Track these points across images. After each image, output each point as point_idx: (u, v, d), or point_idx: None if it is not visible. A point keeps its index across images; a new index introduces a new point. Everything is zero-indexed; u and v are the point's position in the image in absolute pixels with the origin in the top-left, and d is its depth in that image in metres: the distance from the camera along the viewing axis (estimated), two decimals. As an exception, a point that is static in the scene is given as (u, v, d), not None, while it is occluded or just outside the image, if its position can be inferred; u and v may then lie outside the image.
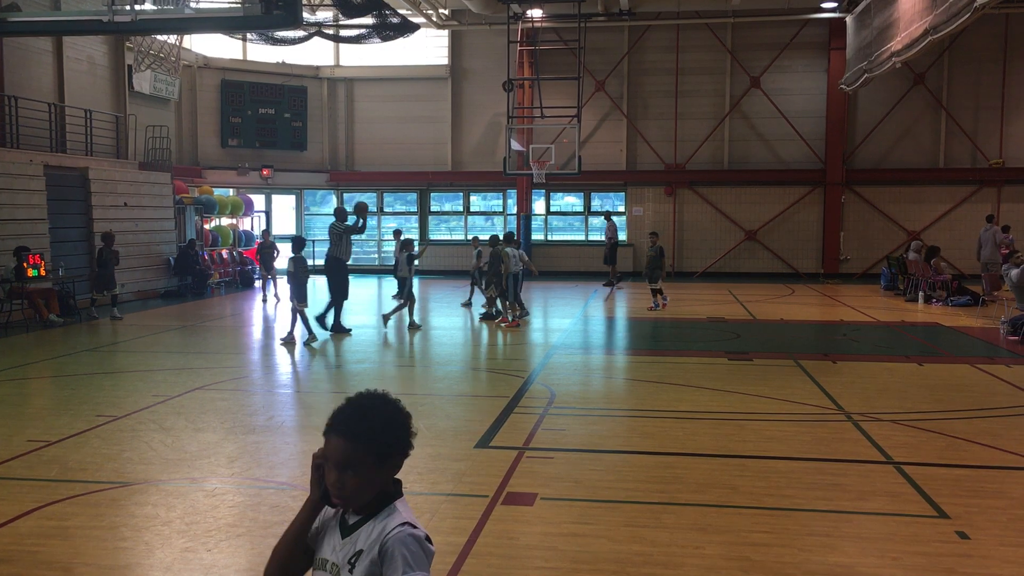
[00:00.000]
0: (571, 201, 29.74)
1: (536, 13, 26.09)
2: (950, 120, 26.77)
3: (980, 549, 5.43)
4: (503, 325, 16.19)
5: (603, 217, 27.16)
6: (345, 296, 15.16)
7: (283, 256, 19.97)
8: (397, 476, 2.39)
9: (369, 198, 30.27)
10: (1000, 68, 26.40)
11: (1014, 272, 14.64)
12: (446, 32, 28.16)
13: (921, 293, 20.03)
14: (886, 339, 14.97)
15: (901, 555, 5.34)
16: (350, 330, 15.09)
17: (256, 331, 16.57)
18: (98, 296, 17.09)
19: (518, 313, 16.78)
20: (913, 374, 11.48)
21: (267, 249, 21.44)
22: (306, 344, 13.75)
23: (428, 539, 2.32)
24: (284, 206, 29.80)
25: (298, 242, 14.36)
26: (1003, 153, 26.59)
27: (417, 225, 29.71)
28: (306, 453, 7.56)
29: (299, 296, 13.77)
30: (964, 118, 26.74)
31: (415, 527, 2.31)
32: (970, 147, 26.76)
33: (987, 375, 11.31)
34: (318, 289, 16.45)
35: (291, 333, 14.07)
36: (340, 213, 15.44)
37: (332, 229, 15.13)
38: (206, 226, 24.71)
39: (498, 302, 16.73)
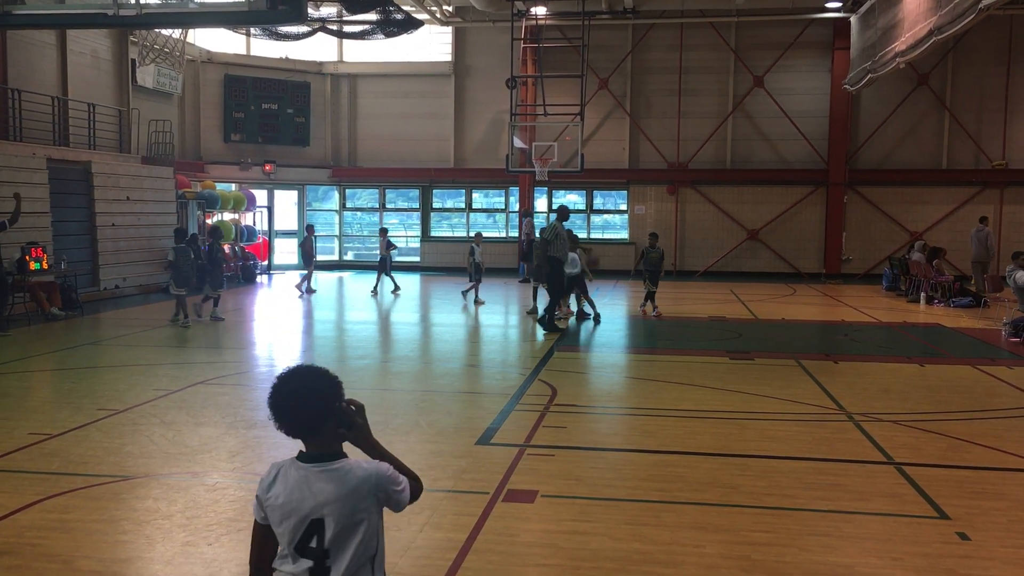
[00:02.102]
0: (573, 199, 29.71)
1: (540, 11, 26.07)
2: (953, 121, 26.74)
3: (981, 550, 5.44)
4: (653, 315, 17.09)
5: (523, 214, 27.04)
6: (560, 295, 15.01)
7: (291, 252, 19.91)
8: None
9: (371, 194, 30.32)
10: (1004, 70, 26.36)
11: (1020, 274, 14.61)
12: (450, 29, 28.14)
13: (923, 294, 20.02)
14: (888, 340, 14.97)
15: (902, 556, 5.34)
16: (563, 330, 14.86)
17: (257, 326, 16.56)
18: (213, 294, 15.99)
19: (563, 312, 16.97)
20: (914, 375, 11.48)
21: (308, 245, 21.90)
22: (176, 321, 15.30)
23: (260, 485, 2.78)
24: (286, 201, 29.80)
25: (180, 233, 16.04)
26: (1006, 155, 26.55)
27: (419, 222, 29.71)
28: (307, 448, 7.56)
29: (180, 282, 15.31)
30: (967, 119, 26.71)
31: None
32: (973, 148, 26.72)
33: (988, 376, 11.31)
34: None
35: (187, 315, 15.38)
36: (563, 212, 15.36)
37: (552, 230, 14.91)
38: (208, 221, 24.70)
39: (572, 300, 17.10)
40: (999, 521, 5.96)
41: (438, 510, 5.95)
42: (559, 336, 14.49)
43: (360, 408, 2.81)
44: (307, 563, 2.67)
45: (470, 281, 19.68)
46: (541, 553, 5.34)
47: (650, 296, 17.39)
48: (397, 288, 21.71)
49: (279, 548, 2.74)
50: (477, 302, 19.31)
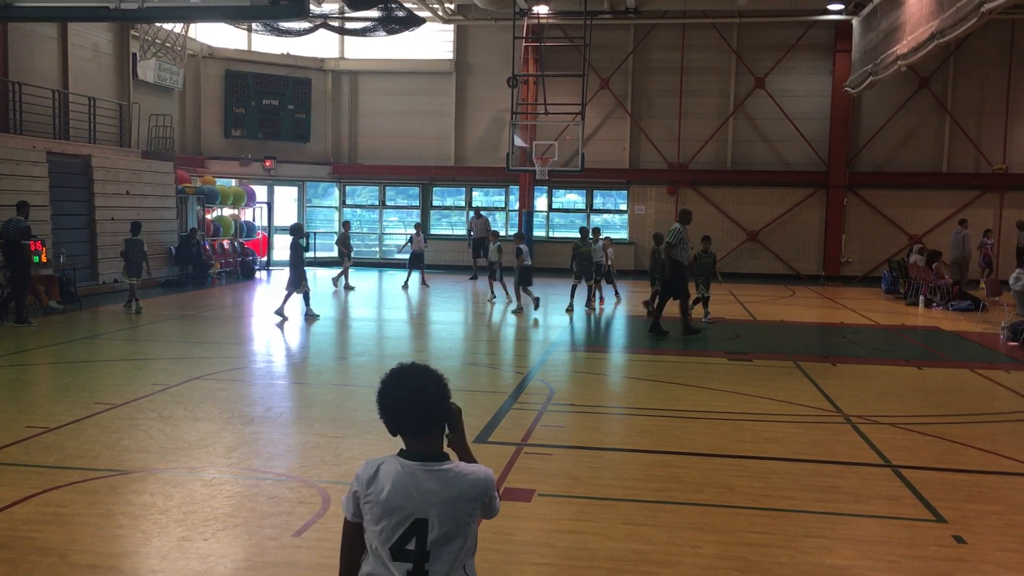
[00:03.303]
0: (573, 198, 29.72)
1: (542, 9, 26.04)
2: (954, 125, 26.73)
3: (977, 553, 5.44)
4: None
5: (474, 213, 26.86)
6: (669, 296, 14.93)
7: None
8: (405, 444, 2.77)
9: (371, 191, 30.31)
10: (1005, 74, 26.35)
11: None
12: (451, 27, 28.12)
13: (922, 297, 20.04)
14: (886, 342, 14.97)
15: (898, 558, 5.34)
16: (667, 332, 14.64)
17: (256, 321, 16.55)
18: (296, 291, 15.66)
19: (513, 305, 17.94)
20: (912, 378, 11.48)
21: (347, 240, 22.25)
22: (136, 311, 16.26)
23: (358, 480, 2.72)
24: (286, 197, 29.79)
25: (134, 226, 16.86)
26: (1006, 159, 26.55)
27: (419, 219, 29.68)
28: (304, 445, 7.56)
29: (131, 272, 16.51)
30: (968, 123, 26.70)
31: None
32: (973, 152, 26.72)
33: (986, 380, 11.31)
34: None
35: (138, 301, 16.54)
36: (687, 216, 15.37)
37: (676, 234, 14.89)
38: (208, 216, 24.70)
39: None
40: (995, 524, 5.96)
41: (435, 508, 5.94)
42: (695, 335, 14.45)
43: (459, 411, 2.81)
44: (405, 567, 2.62)
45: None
46: (538, 552, 5.34)
47: (704, 301, 16.88)
48: (407, 285, 22.15)
49: (370, 550, 2.69)
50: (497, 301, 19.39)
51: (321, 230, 30.32)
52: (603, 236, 19.75)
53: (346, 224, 23.03)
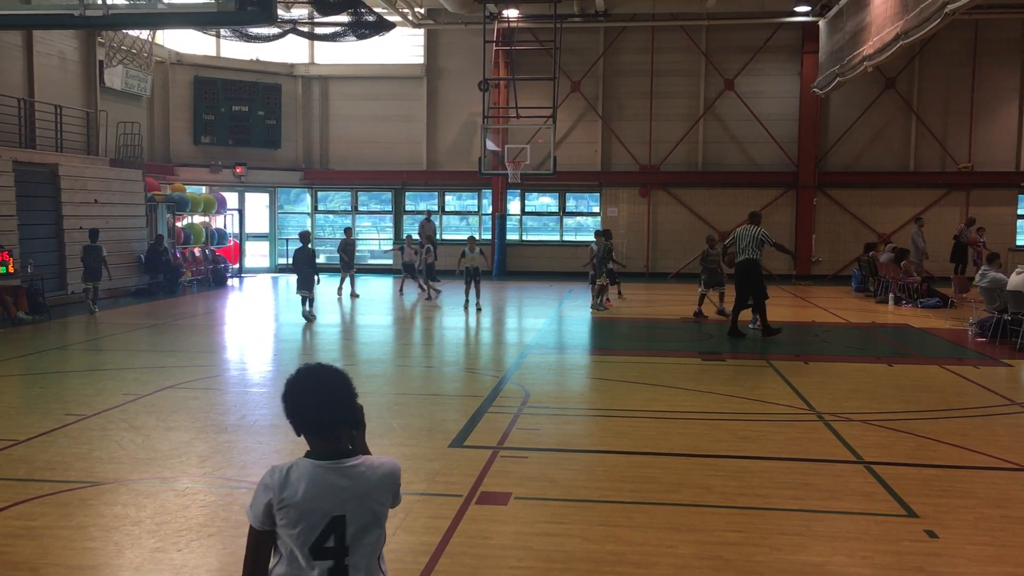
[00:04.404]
0: (546, 201, 29.76)
1: (512, 13, 26.09)
2: (920, 124, 27.08)
3: (948, 548, 5.50)
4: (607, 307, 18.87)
5: (425, 216, 26.49)
6: (764, 297, 14.99)
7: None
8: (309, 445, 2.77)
9: (343, 197, 30.19)
10: (970, 73, 26.75)
11: (993, 275, 14.67)
12: (422, 31, 28.08)
13: (891, 295, 20.27)
14: (857, 340, 15.12)
15: (871, 554, 5.40)
16: (779, 330, 14.80)
17: (228, 329, 16.43)
18: (306, 294, 16.20)
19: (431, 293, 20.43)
20: (883, 375, 11.60)
21: (349, 246, 21.90)
22: (91, 310, 17.36)
23: (267, 488, 2.68)
24: (258, 204, 29.58)
25: (92, 232, 17.66)
26: (972, 157, 26.93)
27: (392, 224, 29.61)
28: (278, 452, 7.51)
29: (87, 276, 17.52)
30: (934, 122, 27.06)
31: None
32: (940, 151, 27.08)
33: (956, 376, 11.46)
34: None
35: (95, 304, 17.61)
36: (757, 218, 15.52)
37: (764, 236, 14.90)
38: (178, 224, 24.49)
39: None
40: (966, 519, 6.04)
41: (411, 513, 5.93)
42: (775, 335, 14.59)
43: (361, 408, 2.84)
44: (326, 564, 2.65)
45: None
46: (515, 555, 5.34)
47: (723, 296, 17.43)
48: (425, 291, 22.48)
49: (284, 553, 2.69)
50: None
51: (293, 236, 30.08)
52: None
53: (347, 230, 22.73)
